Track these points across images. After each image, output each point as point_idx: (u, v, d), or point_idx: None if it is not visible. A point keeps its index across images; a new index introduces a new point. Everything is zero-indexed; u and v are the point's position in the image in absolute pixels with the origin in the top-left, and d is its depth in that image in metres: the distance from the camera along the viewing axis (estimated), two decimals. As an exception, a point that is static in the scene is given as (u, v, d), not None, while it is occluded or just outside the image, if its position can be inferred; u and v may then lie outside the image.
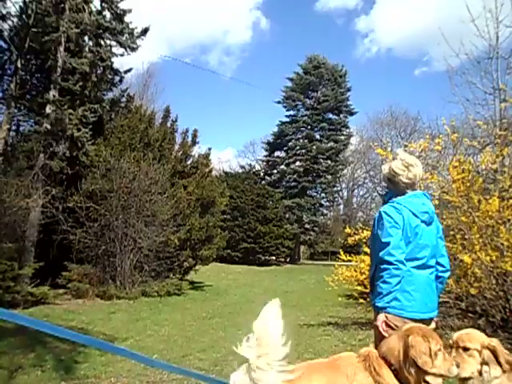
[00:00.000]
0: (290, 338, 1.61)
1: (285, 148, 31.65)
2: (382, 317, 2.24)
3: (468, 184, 5.47)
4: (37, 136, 9.14)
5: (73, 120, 9.09)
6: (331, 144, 30.85)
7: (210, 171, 13.63)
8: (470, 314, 5.63)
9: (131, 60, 34.82)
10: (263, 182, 30.77)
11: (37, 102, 9.70)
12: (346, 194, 41.23)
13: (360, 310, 8.23)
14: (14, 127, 10.37)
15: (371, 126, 38.61)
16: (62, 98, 9.23)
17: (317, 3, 61.84)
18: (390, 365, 1.76)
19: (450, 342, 1.96)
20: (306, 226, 30.86)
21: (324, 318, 7.52)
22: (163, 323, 6.83)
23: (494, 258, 4.90)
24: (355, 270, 7.58)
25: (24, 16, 9.62)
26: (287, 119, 31.68)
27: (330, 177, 31.26)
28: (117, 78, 10.88)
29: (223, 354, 4.80)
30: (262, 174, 32.32)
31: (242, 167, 32.75)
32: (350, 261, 7.90)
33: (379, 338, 2.15)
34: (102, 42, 9.99)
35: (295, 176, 30.17)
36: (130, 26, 10.18)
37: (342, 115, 32.13)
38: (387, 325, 2.22)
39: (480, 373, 1.85)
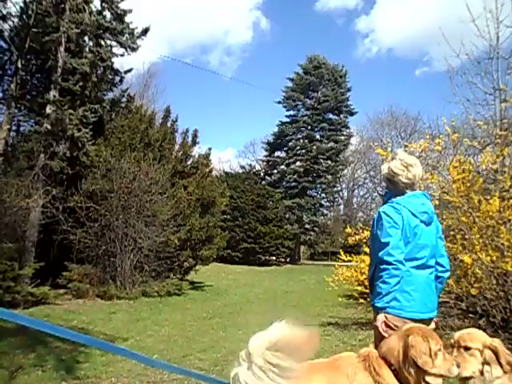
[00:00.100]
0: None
1: (285, 148, 31.63)
2: (381, 317, 2.24)
3: (468, 184, 5.47)
4: (37, 136, 9.14)
5: (73, 120, 9.09)
6: (331, 144, 30.83)
7: (211, 171, 13.62)
8: (470, 315, 5.64)
9: (131, 60, 34.76)
10: (263, 182, 30.76)
11: (37, 102, 9.70)
12: (346, 194, 41.27)
13: (360, 310, 8.23)
14: (14, 127, 10.36)
15: (371, 126, 38.70)
16: (63, 98, 9.23)
17: (317, 3, 62.02)
18: (389, 365, 1.76)
19: (452, 341, 1.96)
20: (306, 226, 30.84)
21: (324, 318, 7.50)
22: (163, 323, 6.83)
23: (494, 258, 4.90)
24: (355, 270, 7.60)
25: (24, 16, 9.62)
26: (287, 119, 31.70)
27: (330, 177, 31.23)
28: (117, 79, 10.88)
29: (223, 354, 4.81)
30: (262, 174, 32.29)
31: (243, 167, 32.83)
32: (350, 261, 7.91)
33: (379, 338, 2.15)
34: (103, 43, 9.99)
35: (295, 176, 30.15)
36: (131, 26, 10.17)
37: (342, 115, 32.11)
38: (387, 325, 2.22)
39: (481, 372, 1.85)
